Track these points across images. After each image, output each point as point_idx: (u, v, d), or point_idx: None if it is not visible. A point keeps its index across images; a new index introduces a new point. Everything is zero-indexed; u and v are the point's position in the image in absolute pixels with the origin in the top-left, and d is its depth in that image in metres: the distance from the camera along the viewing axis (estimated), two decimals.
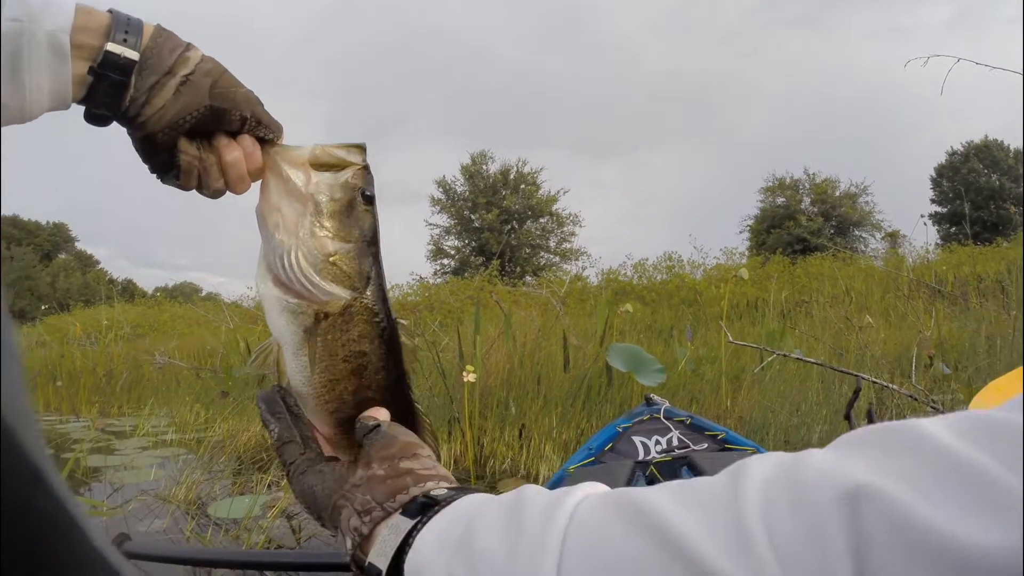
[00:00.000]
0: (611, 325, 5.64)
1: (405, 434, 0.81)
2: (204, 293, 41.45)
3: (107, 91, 0.76)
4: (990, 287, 8.76)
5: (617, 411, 4.39)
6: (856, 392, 1.20)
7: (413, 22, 79.85)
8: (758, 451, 2.59)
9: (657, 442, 2.76)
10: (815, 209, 34.36)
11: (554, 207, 37.90)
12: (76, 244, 57.64)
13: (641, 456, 2.71)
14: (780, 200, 35.52)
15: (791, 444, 3.96)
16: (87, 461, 4.72)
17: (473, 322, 5.11)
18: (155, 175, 0.86)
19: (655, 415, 3.00)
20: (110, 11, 0.77)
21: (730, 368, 5.04)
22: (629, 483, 2.42)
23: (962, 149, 36.68)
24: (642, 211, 61.00)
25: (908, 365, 4.68)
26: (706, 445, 2.71)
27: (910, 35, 65.33)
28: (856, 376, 3.57)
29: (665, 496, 0.50)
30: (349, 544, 0.70)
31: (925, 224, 10.51)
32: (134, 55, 0.76)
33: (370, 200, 0.86)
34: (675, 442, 2.73)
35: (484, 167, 38.63)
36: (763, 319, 7.80)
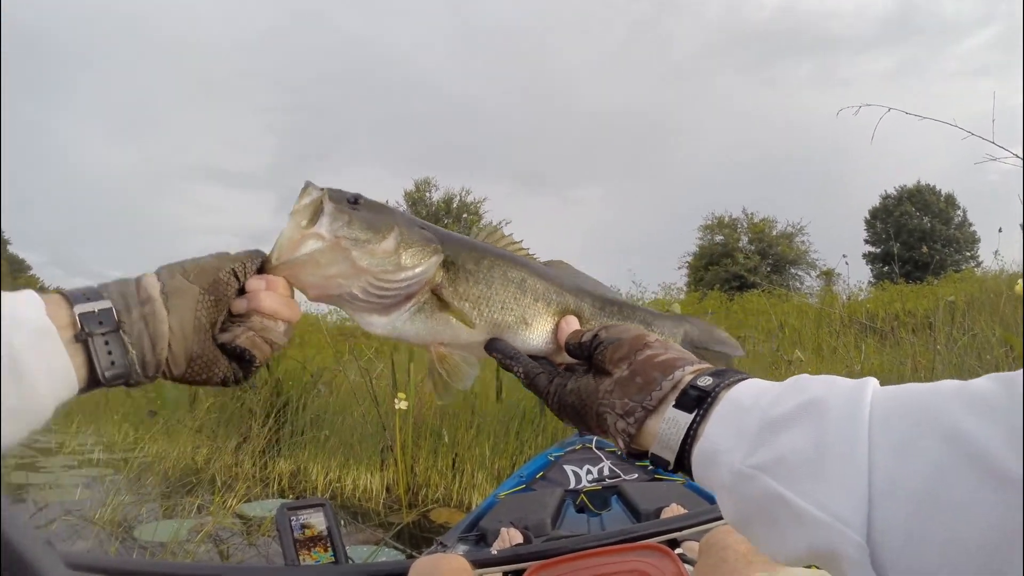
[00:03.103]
0: None
1: (623, 330, 0.86)
2: None
3: (106, 348, 0.74)
4: (919, 323, 8.97)
5: (549, 441, 4.40)
6: None
7: (367, 45, 79.67)
8: (687, 482, 2.64)
9: (588, 471, 2.79)
10: (752, 247, 34.96)
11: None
12: (8, 247, 55.75)
13: (572, 484, 2.74)
14: (719, 238, 36.06)
15: None
16: (10, 477, 4.58)
17: (408, 349, 5.09)
18: (237, 384, 0.86)
19: (587, 445, 3.04)
20: (56, 289, 0.76)
21: None
22: (559, 510, 2.44)
23: (895, 193, 37.64)
24: (584, 245, 61.22)
25: None
26: (636, 475, 2.74)
27: (851, 86, 67.01)
28: None
29: (958, 407, 0.52)
30: (621, 443, 0.76)
31: (847, 264, 10.73)
32: (106, 304, 0.75)
33: (356, 199, 0.90)
34: (606, 471, 2.77)
35: (427, 194, 38.44)
36: None
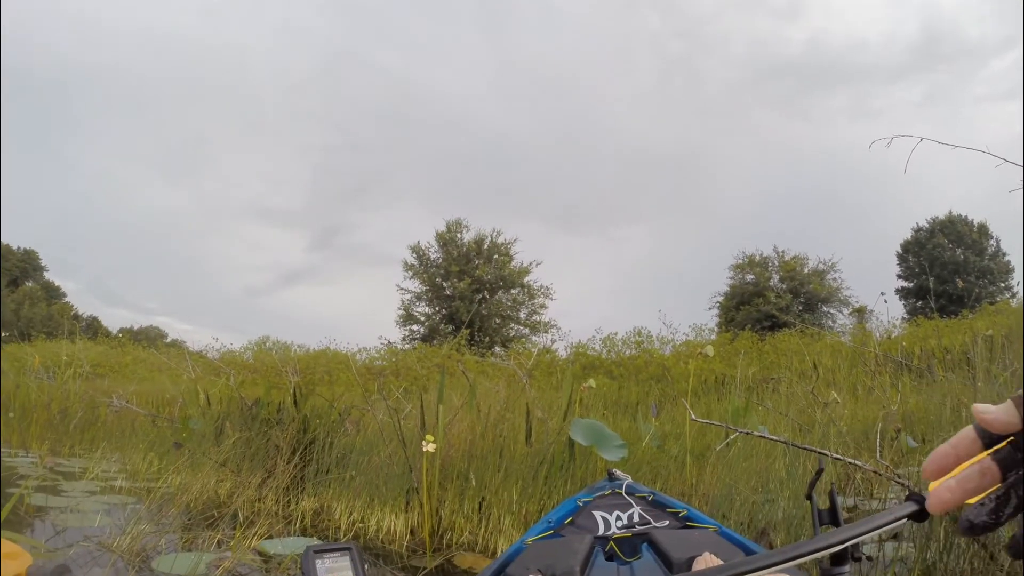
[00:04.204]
0: (577, 399, 5.61)
1: None
2: (169, 339, 40.98)
3: None
4: (956, 359, 8.85)
5: (579, 486, 4.33)
6: (818, 473, 1.19)
7: (401, 84, 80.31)
8: (720, 529, 2.55)
9: (618, 517, 2.70)
10: (784, 286, 34.83)
11: (526, 279, 37.98)
12: (45, 273, 56.63)
13: (601, 531, 2.66)
14: (749, 277, 35.97)
15: (755, 521, 3.92)
16: (31, 499, 4.59)
17: (438, 390, 5.06)
18: None
19: (617, 490, 2.96)
20: None
21: (696, 445, 5.01)
22: (588, 558, 2.36)
23: (927, 225, 37.50)
24: (614, 285, 61.19)
25: (875, 439, 4.71)
26: (667, 522, 2.66)
27: (883, 116, 66.46)
28: (819, 453, 3.56)
29: None
30: None
31: (886, 302, 10.66)
32: None
33: None
34: (636, 518, 2.68)
35: (459, 235, 38.71)
36: (729, 395, 7.84)
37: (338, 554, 1.33)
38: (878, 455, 4.19)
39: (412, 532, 4.46)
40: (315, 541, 4.23)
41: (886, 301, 10.49)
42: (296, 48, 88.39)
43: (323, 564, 1.32)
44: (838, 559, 1.17)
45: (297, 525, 4.63)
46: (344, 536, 4.38)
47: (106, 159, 78.37)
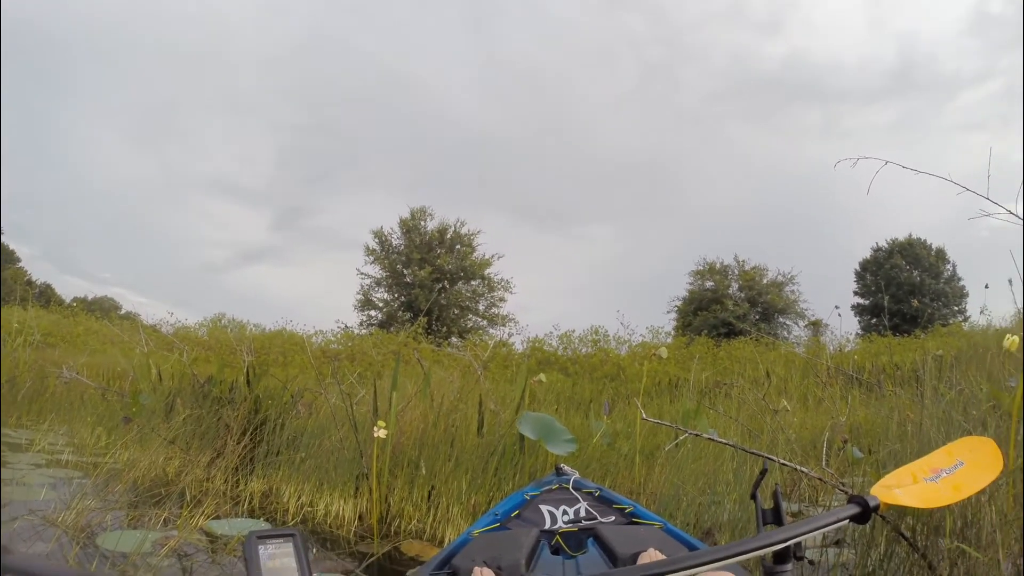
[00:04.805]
0: (530, 393, 5.63)
1: None
2: (123, 311, 40.33)
3: None
4: (905, 376, 9.02)
5: (527, 479, 4.35)
6: (762, 473, 1.22)
7: (380, 69, 79.57)
8: (665, 526, 2.58)
9: (564, 512, 2.72)
10: (742, 295, 35.23)
11: (487, 271, 37.85)
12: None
13: (547, 525, 2.67)
14: (709, 284, 36.34)
15: (701, 522, 3.96)
16: None
17: (392, 377, 5.04)
18: None
19: (564, 485, 2.98)
20: None
21: (646, 444, 5.06)
22: (533, 551, 2.38)
23: (887, 245, 38.03)
24: (575, 284, 61.25)
25: (822, 448, 4.79)
26: (613, 518, 2.68)
27: (853, 137, 67.10)
28: (767, 458, 3.62)
29: None
30: None
31: (839, 315, 10.88)
32: None
33: None
34: (582, 513, 2.70)
35: (422, 223, 38.43)
36: (681, 398, 7.91)
37: (281, 540, 1.33)
38: (824, 463, 4.26)
39: (360, 518, 4.45)
40: (263, 523, 4.21)
41: (840, 315, 10.69)
42: (275, 26, 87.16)
43: (266, 550, 1.31)
44: (780, 557, 1.20)
45: (245, 506, 4.60)
46: (292, 519, 4.36)
47: (70, 121, 76.94)
